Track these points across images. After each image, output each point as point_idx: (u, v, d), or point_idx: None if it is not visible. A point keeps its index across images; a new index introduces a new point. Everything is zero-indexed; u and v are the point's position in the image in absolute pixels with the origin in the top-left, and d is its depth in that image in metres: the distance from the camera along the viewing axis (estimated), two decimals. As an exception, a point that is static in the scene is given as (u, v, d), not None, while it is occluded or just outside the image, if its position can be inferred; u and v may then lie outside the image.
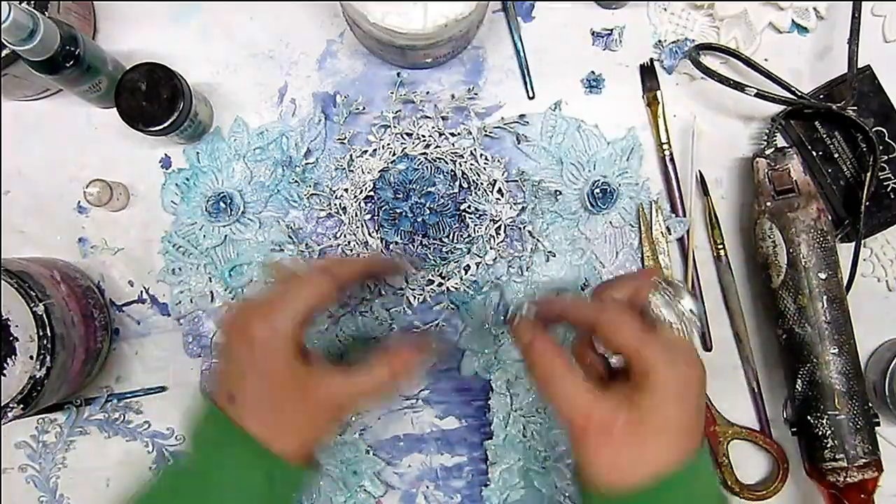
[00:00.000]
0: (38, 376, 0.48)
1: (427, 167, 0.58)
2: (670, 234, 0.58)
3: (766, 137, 0.57)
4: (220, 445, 0.40)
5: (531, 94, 0.59)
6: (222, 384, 0.40)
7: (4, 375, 0.49)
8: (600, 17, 0.59)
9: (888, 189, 0.56)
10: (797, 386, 0.54)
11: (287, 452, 0.39)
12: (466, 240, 0.57)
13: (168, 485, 0.41)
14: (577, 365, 0.41)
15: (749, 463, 0.59)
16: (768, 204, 0.55)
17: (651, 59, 0.59)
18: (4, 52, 0.50)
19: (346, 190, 0.58)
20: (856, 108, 0.56)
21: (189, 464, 0.41)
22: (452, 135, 0.58)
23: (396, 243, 0.57)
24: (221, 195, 0.57)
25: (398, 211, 0.57)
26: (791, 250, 0.54)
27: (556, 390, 0.38)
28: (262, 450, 0.38)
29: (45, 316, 0.49)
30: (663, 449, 0.36)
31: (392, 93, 0.58)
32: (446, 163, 0.57)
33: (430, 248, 0.57)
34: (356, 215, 0.57)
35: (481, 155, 0.58)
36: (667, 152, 0.58)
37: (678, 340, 0.39)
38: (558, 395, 0.38)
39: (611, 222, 0.58)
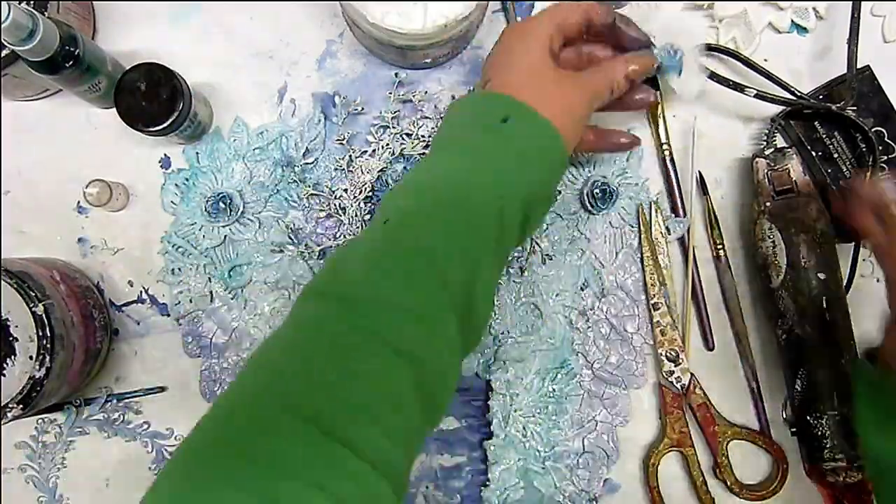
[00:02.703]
0: (37, 376, 0.48)
1: (427, 167, 0.58)
2: (670, 234, 0.58)
3: (765, 137, 0.57)
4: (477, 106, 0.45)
5: (531, 95, 0.59)
6: (486, 72, 0.46)
7: (4, 375, 0.49)
8: (600, 18, 0.59)
9: (888, 189, 0.56)
10: (797, 386, 0.54)
11: (554, 119, 0.43)
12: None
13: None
14: None
15: (749, 463, 0.59)
16: (768, 204, 0.55)
17: (651, 60, 0.59)
18: (4, 52, 0.50)
19: (345, 190, 0.58)
20: (855, 108, 0.56)
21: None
22: (452, 135, 0.58)
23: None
24: (221, 195, 0.57)
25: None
26: (791, 250, 0.54)
27: None
28: (497, 95, 0.43)
29: (44, 316, 0.49)
30: None
31: (391, 93, 0.58)
32: (446, 163, 0.57)
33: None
34: (356, 215, 0.57)
35: (481, 155, 0.57)
36: (666, 152, 0.58)
37: None
38: None
39: (610, 222, 0.58)
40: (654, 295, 0.57)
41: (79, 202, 0.59)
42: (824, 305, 0.53)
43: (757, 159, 0.56)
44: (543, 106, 0.43)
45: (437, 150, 0.45)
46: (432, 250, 0.37)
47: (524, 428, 0.57)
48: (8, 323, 0.49)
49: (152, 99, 0.52)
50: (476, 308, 0.38)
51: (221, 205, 0.56)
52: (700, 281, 0.58)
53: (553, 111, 0.43)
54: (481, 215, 0.40)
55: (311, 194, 0.58)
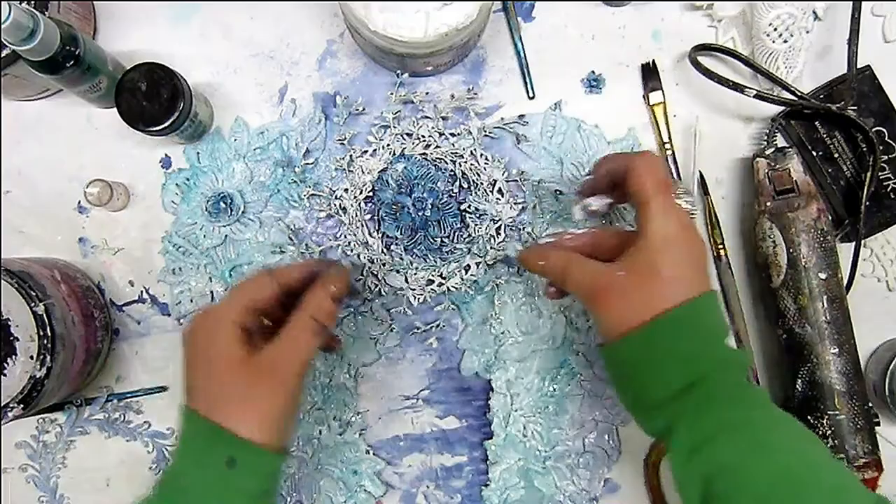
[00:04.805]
0: (38, 376, 0.48)
1: (427, 167, 0.58)
2: (670, 234, 0.58)
3: (766, 137, 0.57)
4: (186, 440, 0.42)
5: (531, 94, 0.59)
6: (184, 383, 0.42)
7: (4, 375, 0.49)
8: (600, 17, 0.59)
9: (888, 189, 0.56)
10: (797, 386, 0.54)
11: (253, 435, 0.40)
12: (467, 240, 0.57)
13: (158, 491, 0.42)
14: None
15: (749, 463, 0.58)
16: (768, 204, 0.55)
17: (652, 60, 0.59)
18: (4, 52, 0.50)
19: (345, 190, 0.58)
20: (856, 108, 0.56)
21: (169, 466, 0.42)
22: (452, 135, 0.58)
23: (397, 239, 0.57)
24: (221, 195, 0.57)
25: (400, 205, 0.57)
26: (791, 250, 0.54)
27: (572, 275, 0.44)
28: (222, 434, 0.39)
29: (45, 316, 0.49)
30: (659, 295, 0.41)
31: (392, 93, 0.58)
32: (446, 163, 0.57)
33: (430, 247, 0.57)
34: (356, 215, 0.57)
35: (481, 155, 0.58)
36: (668, 152, 0.58)
37: (678, 206, 0.43)
38: (575, 277, 0.44)
39: (611, 222, 0.58)
40: (655, 295, 0.57)
41: (79, 202, 0.59)
42: (824, 305, 0.53)
43: (757, 159, 0.56)
44: (242, 422, 0.40)
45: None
46: None
47: (524, 428, 0.57)
48: (8, 323, 0.49)
49: (153, 99, 0.52)
50: None
51: (222, 205, 0.57)
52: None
53: (251, 424, 0.40)
54: None
55: (312, 194, 0.58)
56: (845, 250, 0.56)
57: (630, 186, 0.44)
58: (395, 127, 0.58)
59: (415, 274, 0.57)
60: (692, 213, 0.45)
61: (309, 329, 0.43)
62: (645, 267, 0.41)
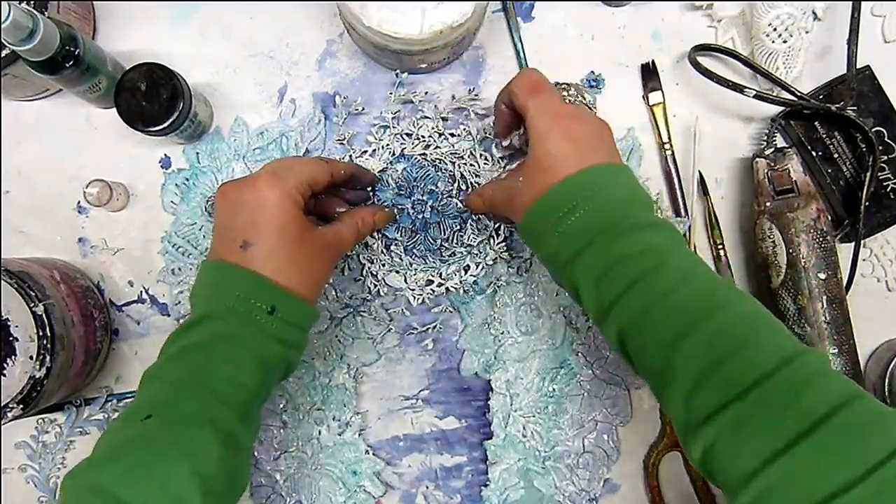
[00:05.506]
0: (37, 376, 0.48)
1: (427, 168, 0.58)
2: (670, 234, 0.58)
3: (765, 138, 0.57)
4: (221, 289, 0.44)
5: (531, 95, 0.59)
6: (233, 236, 0.44)
7: (4, 375, 0.49)
8: (600, 17, 0.59)
9: (888, 189, 0.56)
10: (797, 386, 0.54)
11: (302, 290, 0.45)
12: (466, 241, 0.57)
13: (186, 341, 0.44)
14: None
15: (749, 463, 0.58)
16: (768, 204, 0.55)
17: (652, 60, 0.59)
18: (4, 52, 0.50)
19: (345, 190, 0.58)
20: (855, 108, 0.56)
21: (201, 316, 0.44)
22: (452, 135, 0.58)
23: (396, 240, 0.57)
24: (221, 195, 0.57)
25: (400, 207, 0.57)
26: (791, 250, 0.54)
27: (496, 198, 0.49)
28: (269, 284, 0.44)
29: (44, 316, 0.49)
30: (538, 180, 0.44)
31: (391, 93, 0.58)
32: (446, 164, 0.57)
33: (430, 248, 0.57)
34: (356, 215, 0.57)
35: (481, 156, 0.57)
36: (667, 152, 0.58)
37: (557, 100, 0.46)
38: (498, 198, 0.49)
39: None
40: (654, 295, 0.57)
41: (79, 202, 0.59)
42: (824, 306, 0.53)
43: (757, 159, 0.56)
44: (293, 279, 0.45)
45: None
46: None
47: (524, 428, 0.57)
48: (8, 323, 0.49)
49: (152, 99, 0.52)
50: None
51: (221, 205, 0.56)
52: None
53: (301, 282, 0.45)
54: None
55: (312, 194, 0.58)
56: (845, 250, 0.56)
57: (516, 108, 0.47)
58: (394, 127, 0.58)
59: (414, 275, 0.57)
60: (587, 105, 0.49)
61: (355, 228, 0.50)
62: (532, 163, 0.45)
